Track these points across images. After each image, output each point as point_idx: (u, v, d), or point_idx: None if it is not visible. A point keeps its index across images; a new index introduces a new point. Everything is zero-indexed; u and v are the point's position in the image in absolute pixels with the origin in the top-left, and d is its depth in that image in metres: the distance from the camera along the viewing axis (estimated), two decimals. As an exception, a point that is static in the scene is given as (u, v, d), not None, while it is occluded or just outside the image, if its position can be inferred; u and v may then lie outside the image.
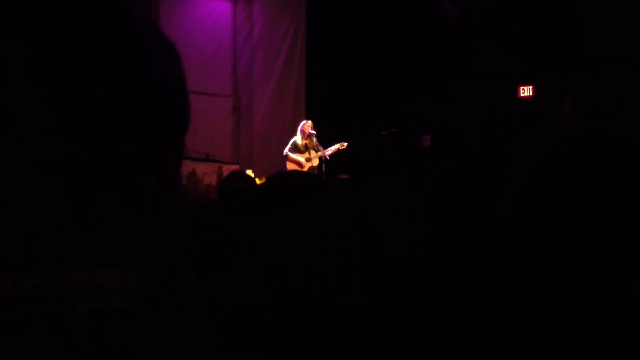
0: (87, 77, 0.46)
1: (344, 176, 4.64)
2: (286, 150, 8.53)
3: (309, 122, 8.61)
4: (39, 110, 0.44)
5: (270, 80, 10.24)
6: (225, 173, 7.29)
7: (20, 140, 0.44)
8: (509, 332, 0.95)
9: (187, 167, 7.48)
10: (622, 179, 0.86)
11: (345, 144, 8.68)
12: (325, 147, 8.61)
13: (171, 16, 9.08)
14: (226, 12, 10.21)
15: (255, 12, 10.13)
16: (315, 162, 8.58)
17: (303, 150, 8.53)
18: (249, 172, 7.39)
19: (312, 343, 1.04)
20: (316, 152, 8.55)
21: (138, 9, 0.51)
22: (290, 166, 8.46)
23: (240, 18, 10.20)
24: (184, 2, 9.58)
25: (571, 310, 0.87)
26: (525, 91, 9.57)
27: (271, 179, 1.24)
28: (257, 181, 4.69)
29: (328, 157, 8.59)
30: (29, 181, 0.44)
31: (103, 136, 0.46)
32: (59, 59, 0.45)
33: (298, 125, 8.73)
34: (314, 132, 8.51)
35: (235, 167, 8.25)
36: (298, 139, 8.51)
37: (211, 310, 1.71)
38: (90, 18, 0.47)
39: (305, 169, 8.40)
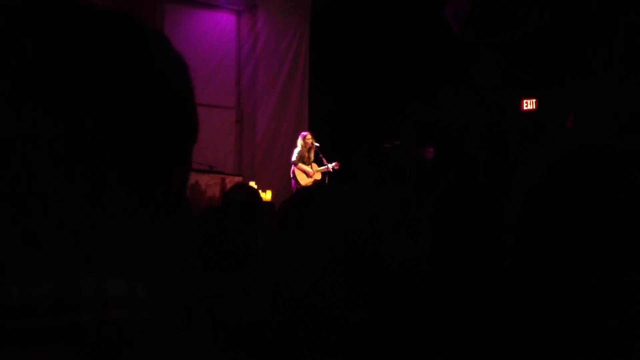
0: (97, 90, 0.46)
1: (348, 188, 4.64)
2: (294, 158, 8.55)
3: (310, 134, 8.65)
4: (50, 123, 0.45)
5: (273, 92, 10.24)
6: (229, 185, 7.28)
7: (29, 151, 0.44)
8: (513, 344, 0.95)
9: (190, 178, 7.42)
10: (626, 191, 0.86)
11: (338, 165, 8.66)
12: (328, 160, 8.66)
13: (176, 28, 9.11)
14: (230, 24, 10.23)
15: (259, 24, 10.14)
16: (318, 176, 8.64)
17: (307, 162, 8.57)
18: (252, 184, 7.40)
19: (315, 355, 1.04)
20: (318, 165, 8.64)
21: (143, 21, 0.51)
22: (299, 175, 8.50)
23: (244, 30, 10.22)
24: (189, 14, 9.61)
25: (580, 320, 0.87)
26: (529, 104, 9.55)
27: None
28: (261, 193, 4.69)
29: (331, 170, 8.63)
30: (36, 192, 0.45)
31: (111, 148, 0.46)
32: (69, 71, 0.45)
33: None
34: (317, 144, 8.55)
35: (238, 178, 8.23)
36: (302, 150, 8.54)
37: (214, 320, 1.70)
38: (102, 32, 0.48)
39: (312, 179, 8.49)
